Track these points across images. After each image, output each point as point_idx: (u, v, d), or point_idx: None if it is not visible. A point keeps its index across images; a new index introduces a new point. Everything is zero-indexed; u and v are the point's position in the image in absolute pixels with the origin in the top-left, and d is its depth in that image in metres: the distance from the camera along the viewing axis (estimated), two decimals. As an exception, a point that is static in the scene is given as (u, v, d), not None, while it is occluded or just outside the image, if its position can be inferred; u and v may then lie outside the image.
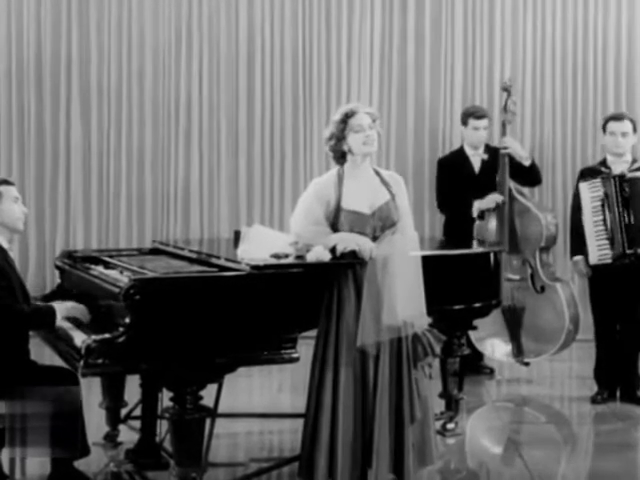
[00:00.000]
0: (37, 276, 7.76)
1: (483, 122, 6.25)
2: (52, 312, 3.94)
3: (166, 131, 7.80)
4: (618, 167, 5.60)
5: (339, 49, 7.76)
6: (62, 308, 3.99)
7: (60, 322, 3.93)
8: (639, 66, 7.74)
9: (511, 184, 6.06)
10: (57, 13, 7.71)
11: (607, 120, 5.75)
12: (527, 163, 6.08)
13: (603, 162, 5.73)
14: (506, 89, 6.17)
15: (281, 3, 7.75)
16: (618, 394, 5.74)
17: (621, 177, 5.50)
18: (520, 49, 7.75)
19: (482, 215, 6.06)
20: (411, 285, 3.91)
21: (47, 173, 7.79)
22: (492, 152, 6.24)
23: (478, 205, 6.05)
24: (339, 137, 3.98)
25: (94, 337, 3.53)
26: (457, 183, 6.19)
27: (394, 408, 3.90)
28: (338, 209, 3.95)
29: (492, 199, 6.01)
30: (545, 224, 5.97)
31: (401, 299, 3.86)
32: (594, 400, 5.70)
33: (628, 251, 5.46)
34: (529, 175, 6.15)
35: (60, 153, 7.78)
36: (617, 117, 5.75)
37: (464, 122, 6.33)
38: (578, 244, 5.66)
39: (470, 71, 7.76)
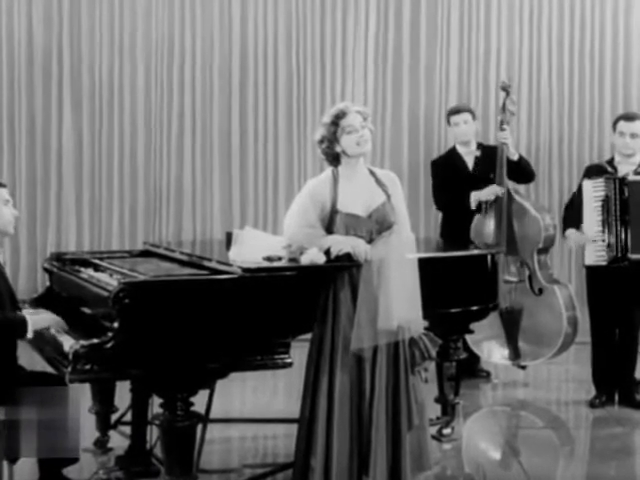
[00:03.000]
0: (28, 279, 7.69)
1: (461, 116, 6.19)
2: (23, 324, 3.81)
3: (158, 132, 7.74)
4: (624, 168, 5.52)
5: (333, 49, 7.70)
6: (35, 320, 3.87)
7: (31, 334, 3.83)
8: (636, 64, 7.70)
9: (509, 184, 6.01)
10: (49, 16, 7.64)
11: (618, 119, 5.64)
12: (515, 157, 6.05)
13: (610, 161, 5.66)
14: (505, 89, 6.12)
15: (274, 3, 7.68)
16: (616, 398, 5.67)
17: (622, 179, 5.43)
18: (516, 49, 7.70)
19: (480, 207, 6.01)
20: (407, 288, 3.84)
21: (38, 174, 7.73)
22: (485, 150, 6.20)
23: (476, 196, 6.00)
24: (331, 139, 3.91)
25: (82, 342, 3.46)
26: (452, 182, 6.14)
27: (391, 414, 3.83)
28: (333, 212, 3.88)
29: (492, 191, 5.96)
30: (544, 225, 5.92)
31: (397, 302, 3.79)
32: (592, 404, 5.63)
33: (621, 255, 5.40)
34: (522, 170, 6.12)
35: (52, 154, 7.72)
36: (628, 117, 5.63)
37: (447, 121, 6.35)
38: (571, 219, 5.60)
39: (465, 71, 7.71)
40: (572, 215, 5.63)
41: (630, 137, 5.49)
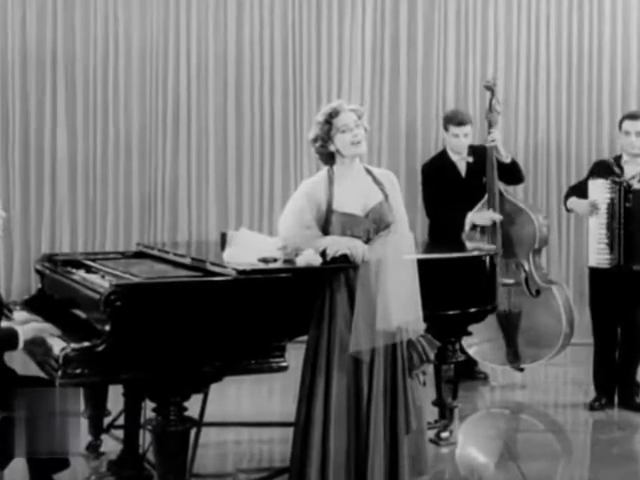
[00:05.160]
0: (22, 280, 7.64)
1: (464, 129, 6.00)
2: (14, 336, 3.71)
3: (153, 132, 7.69)
4: (631, 168, 5.48)
5: (330, 50, 7.65)
6: (25, 330, 3.76)
7: (22, 345, 3.75)
8: (634, 62, 7.65)
9: (500, 185, 5.96)
10: (42, 16, 7.58)
11: (623, 118, 5.63)
12: (507, 160, 5.97)
13: (618, 158, 5.61)
14: (489, 88, 6.05)
15: (270, 2, 7.63)
16: (616, 400, 5.61)
17: (627, 187, 5.37)
18: (514, 51, 7.65)
19: (474, 228, 5.94)
20: (406, 289, 3.79)
21: (32, 174, 7.68)
22: (476, 152, 6.08)
23: (472, 218, 5.90)
24: (325, 139, 3.85)
25: (73, 345, 3.40)
26: (444, 188, 6.03)
27: (389, 418, 3.78)
28: (329, 211, 3.83)
29: (489, 217, 5.87)
30: (538, 225, 5.88)
31: (396, 303, 3.73)
32: (592, 407, 5.58)
33: (624, 263, 5.37)
34: (512, 173, 6.05)
35: (46, 154, 7.67)
36: (632, 116, 5.61)
37: (445, 127, 6.14)
38: (573, 192, 5.60)
39: (463, 73, 7.65)
40: (575, 191, 5.60)
41: (635, 136, 5.47)
